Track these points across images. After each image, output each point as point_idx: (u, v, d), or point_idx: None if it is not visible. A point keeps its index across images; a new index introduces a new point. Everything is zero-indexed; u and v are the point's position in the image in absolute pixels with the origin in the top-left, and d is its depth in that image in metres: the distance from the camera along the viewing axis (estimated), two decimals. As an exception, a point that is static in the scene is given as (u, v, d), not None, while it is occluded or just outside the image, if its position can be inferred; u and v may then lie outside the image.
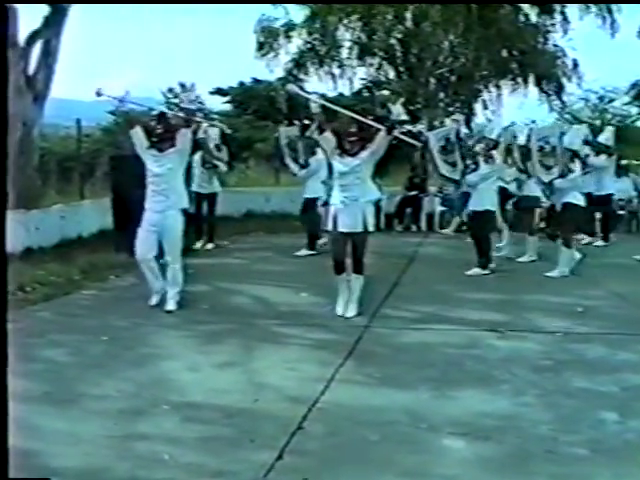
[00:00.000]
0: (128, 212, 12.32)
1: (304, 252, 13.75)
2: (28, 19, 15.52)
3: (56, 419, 5.54)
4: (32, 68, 15.66)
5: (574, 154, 11.55)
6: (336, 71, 25.91)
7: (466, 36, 23.50)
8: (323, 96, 17.55)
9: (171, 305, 9.10)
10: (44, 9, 15.60)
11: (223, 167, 15.02)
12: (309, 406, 5.65)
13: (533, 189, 12.84)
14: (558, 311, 8.95)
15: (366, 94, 27.05)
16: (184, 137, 9.01)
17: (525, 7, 24.22)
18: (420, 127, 17.98)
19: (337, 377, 6.41)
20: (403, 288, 10.52)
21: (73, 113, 10.56)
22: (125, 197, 13.49)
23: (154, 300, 9.29)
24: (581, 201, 11.74)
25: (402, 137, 12.33)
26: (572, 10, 23.85)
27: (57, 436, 5.21)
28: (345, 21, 24.55)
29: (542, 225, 13.97)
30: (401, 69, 25.80)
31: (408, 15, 23.81)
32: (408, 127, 18.09)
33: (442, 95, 25.61)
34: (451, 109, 24.44)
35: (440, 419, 5.41)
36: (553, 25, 24.53)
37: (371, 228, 8.65)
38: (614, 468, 4.62)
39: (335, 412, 5.60)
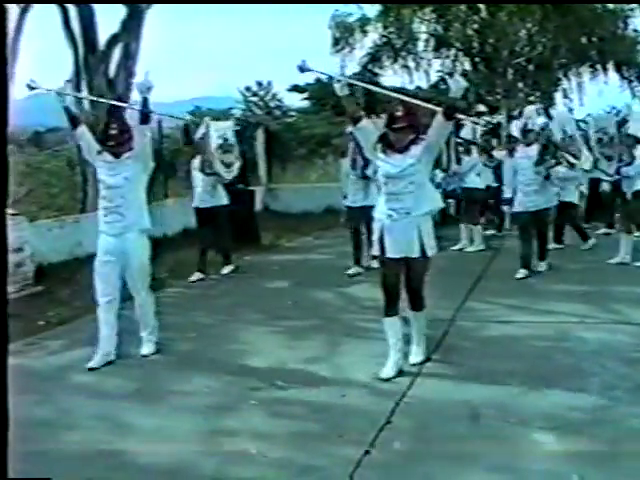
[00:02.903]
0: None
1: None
2: (107, 24, 15.86)
3: (145, 416, 5.66)
4: (112, 71, 15.97)
5: (637, 140, 11.28)
6: (411, 64, 25.85)
7: (543, 24, 23.20)
8: (402, 89, 17.38)
9: (147, 348, 7.35)
10: (121, 14, 15.93)
11: (227, 175, 11.85)
12: (396, 401, 5.65)
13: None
14: (647, 302, 8.74)
15: (443, 86, 26.87)
16: (143, 137, 7.15)
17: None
18: (499, 118, 17.74)
19: (424, 371, 6.39)
20: (488, 281, 10.41)
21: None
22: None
23: (93, 362, 6.92)
24: None
25: (465, 117, 11.58)
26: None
27: (147, 433, 5.33)
28: (420, 13, 24.47)
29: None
30: (477, 60, 25.60)
31: (482, 6, 23.61)
32: (487, 118, 17.85)
33: (521, 85, 25.31)
34: (531, 99, 24.14)
35: (529, 413, 5.35)
36: (632, 10, 24.03)
37: (430, 252, 6.30)
38: None
39: (423, 406, 5.60)
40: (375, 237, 6.42)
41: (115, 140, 7.05)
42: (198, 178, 11.66)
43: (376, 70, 26.11)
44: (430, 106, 6.39)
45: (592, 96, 26.01)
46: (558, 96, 26.10)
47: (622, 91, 25.80)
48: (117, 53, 16.09)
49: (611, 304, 8.70)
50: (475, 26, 24.71)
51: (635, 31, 24.70)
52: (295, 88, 30.93)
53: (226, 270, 11.82)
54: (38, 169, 13.14)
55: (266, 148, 22.16)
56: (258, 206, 17.70)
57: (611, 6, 24.05)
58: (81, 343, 7.10)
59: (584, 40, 24.39)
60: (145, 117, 7.13)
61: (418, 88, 25.77)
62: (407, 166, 6.13)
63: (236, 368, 6.78)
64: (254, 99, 32.62)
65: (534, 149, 10.71)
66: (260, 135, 22.27)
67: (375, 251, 6.47)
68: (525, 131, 10.89)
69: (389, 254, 6.29)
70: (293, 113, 30.43)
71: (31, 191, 12.83)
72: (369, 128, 6.46)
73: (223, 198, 11.77)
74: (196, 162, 11.72)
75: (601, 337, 7.32)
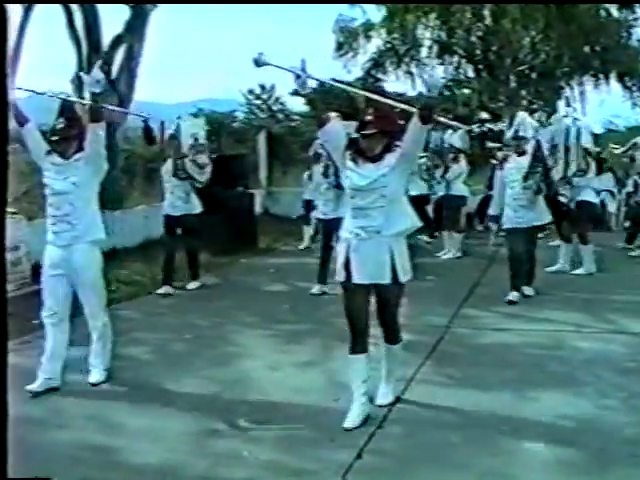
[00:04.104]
0: (210, 212, 12.44)
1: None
2: (111, 24, 15.89)
3: (138, 416, 5.67)
4: (115, 72, 16.00)
5: (586, 152, 11.19)
6: (414, 70, 25.89)
7: (547, 32, 23.23)
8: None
9: (96, 376, 6.42)
10: (125, 14, 15.96)
11: (200, 178, 10.78)
12: (389, 406, 5.64)
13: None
14: (643, 312, 8.72)
15: (446, 93, 26.90)
16: (95, 136, 6.21)
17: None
18: (502, 126, 17.73)
19: (417, 377, 6.38)
20: (484, 288, 10.41)
21: (156, 116, 10.57)
22: (207, 197, 13.66)
23: (36, 385, 6.15)
24: (596, 199, 11.83)
25: (444, 121, 10.65)
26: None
27: (138, 433, 5.33)
28: (424, 20, 24.50)
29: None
30: (480, 67, 25.64)
31: (487, 13, 23.65)
32: (489, 125, 17.84)
33: (523, 93, 25.35)
34: (534, 107, 24.17)
35: (521, 421, 5.35)
36: (636, 20, 24.07)
37: (404, 277, 5.41)
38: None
39: (415, 413, 5.59)
40: (340, 260, 5.51)
41: (61, 135, 6.29)
42: (170, 183, 10.64)
43: (379, 75, 26.15)
44: (404, 106, 5.76)
45: (595, 105, 26.10)
46: (561, 105, 26.13)
47: (624, 101, 25.84)
48: (120, 54, 16.13)
49: (607, 313, 8.70)
50: (479, 33, 24.76)
51: (638, 41, 24.72)
52: (296, 93, 30.99)
53: (192, 285, 10.82)
54: (39, 168, 13.18)
55: (268, 151, 22.16)
56: (258, 209, 17.71)
57: (615, 15, 24.07)
58: (74, 342, 7.08)
59: (587, 49, 24.43)
60: (96, 114, 6.24)
61: (420, 94, 25.79)
62: (378, 177, 5.28)
63: (230, 371, 6.78)
64: (257, 102, 32.67)
65: (525, 160, 9.65)
66: (262, 138, 22.28)
67: (339, 276, 5.52)
68: (515, 138, 9.88)
69: (356, 279, 5.39)
70: (296, 117, 30.46)
71: (29, 191, 12.82)
72: (337, 132, 5.60)
73: (197, 206, 10.77)
74: (168, 165, 10.68)
75: (596, 346, 7.32)
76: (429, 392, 6.03)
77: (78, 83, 15.42)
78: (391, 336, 5.66)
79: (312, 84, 5.76)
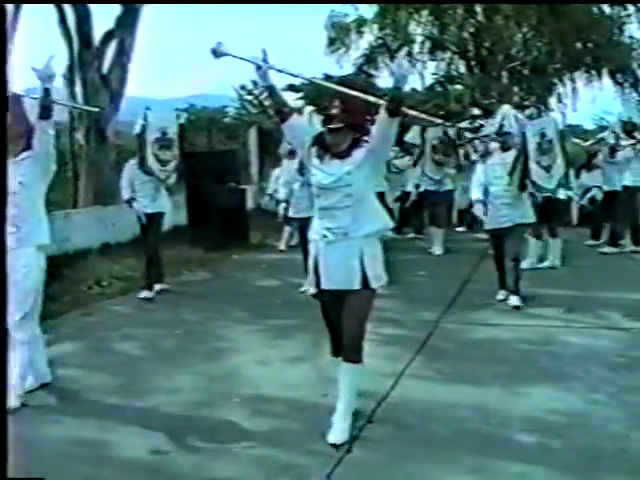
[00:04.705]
0: (202, 208, 12.43)
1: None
2: (102, 20, 15.89)
3: (128, 411, 5.67)
4: (107, 67, 16.02)
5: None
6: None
7: (539, 29, 23.28)
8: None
9: (13, 399, 5.54)
10: (116, 10, 15.97)
11: (161, 175, 10.24)
12: (379, 400, 5.65)
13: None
14: (633, 307, 8.72)
15: (439, 89, 26.92)
16: (44, 134, 5.78)
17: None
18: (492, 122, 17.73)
19: (407, 372, 6.40)
20: (475, 284, 10.44)
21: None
22: (199, 193, 13.69)
23: (26, 385, 5.97)
24: (563, 196, 11.86)
25: (415, 114, 9.80)
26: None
27: (129, 428, 5.32)
28: (416, 16, 24.53)
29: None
30: (472, 63, 25.69)
31: (479, 9, 23.70)
32: (480, 122, 17.84)
33: (516, 89, 25.39)
34: (526, 103, 24.20)
35: (511, 416, 5.36)
36: (628, 16, 24.11)
37: (375, 284, 5.00)
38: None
39: (405, 407, 5.60)
40: (310, 263, 5.21)
41: (9, 135, 5.64)
42: (138, 179, 10.17)
43: (371, 71, 26.17)
44: (373, 99, 5.21)
45: (586, 102, 26.15)
46: (552, 101, 26.19)
47: (616, 97, 25.88)
48: (112, 49, 16.14)
49: (597, 309, 8.72)
50: (471, 29, 24.79)
51: (630, 37, 24.75)
52: (291, 88, 30.96)
53: (157, 287, 10.17)
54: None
55: (259, 147, 22.16)
56: (249, 205, 17.71)
57: (607, 11, 24.11)
58: (66, 338, 7.10)
59: (579, 46, 24.47)
60: (46, 111, 5.74)
61: (413, 90, 25.82)
62: (343, 174, 4.89)
63: (220, 366, 6.80)
64: (249, 98, 32.61)
65: (510, 155, 9.07)
66: (253, 134, 22.26)
67: (309, 281, 5.33)
68: (499, 134, 9.27)
69: (324, 285, 5.09)
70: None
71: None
72: (301, 127, 5.30)
73: (166, 205, 10.46)
74: (133, 161, 10.31)
75: (586, 341, 7.35)
76: (419, 387, 6.05)
77: (69, 78, 15.46)
78: (351, 353, 5.03)
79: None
